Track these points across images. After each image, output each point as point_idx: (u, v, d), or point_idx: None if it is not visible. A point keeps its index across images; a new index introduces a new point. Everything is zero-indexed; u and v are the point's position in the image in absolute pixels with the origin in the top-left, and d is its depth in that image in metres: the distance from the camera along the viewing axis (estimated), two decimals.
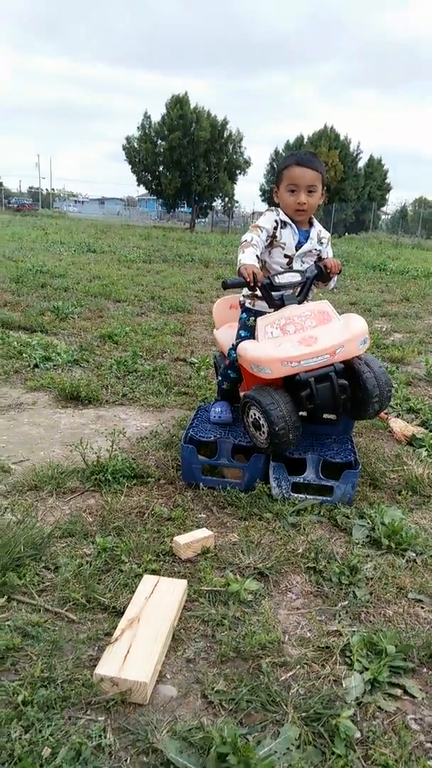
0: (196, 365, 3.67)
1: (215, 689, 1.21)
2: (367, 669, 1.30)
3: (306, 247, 2.23)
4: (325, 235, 2.31)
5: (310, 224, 2.28)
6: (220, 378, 2.61)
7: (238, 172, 33.48)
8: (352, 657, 1.33)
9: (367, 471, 2.28)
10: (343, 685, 1.25)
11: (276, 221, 2.19)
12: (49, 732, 1.06)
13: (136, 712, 1.15)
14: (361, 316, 2.19)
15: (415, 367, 4.11)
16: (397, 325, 5.61)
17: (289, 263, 2.23)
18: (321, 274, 2.22)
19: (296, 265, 2.23)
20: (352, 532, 1.87)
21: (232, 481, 2.11)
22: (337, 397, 1.98)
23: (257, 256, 2.10)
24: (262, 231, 2.16)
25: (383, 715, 1.20)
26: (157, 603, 1.39)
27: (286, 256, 2.22)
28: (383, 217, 42.11)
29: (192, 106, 30.78)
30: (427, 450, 2.58)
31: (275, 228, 2.19)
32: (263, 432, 2.01)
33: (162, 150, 31.24)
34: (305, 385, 1.95)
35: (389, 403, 2.25)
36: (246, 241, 2.14)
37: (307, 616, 1.47)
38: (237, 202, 36.41)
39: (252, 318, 2.29)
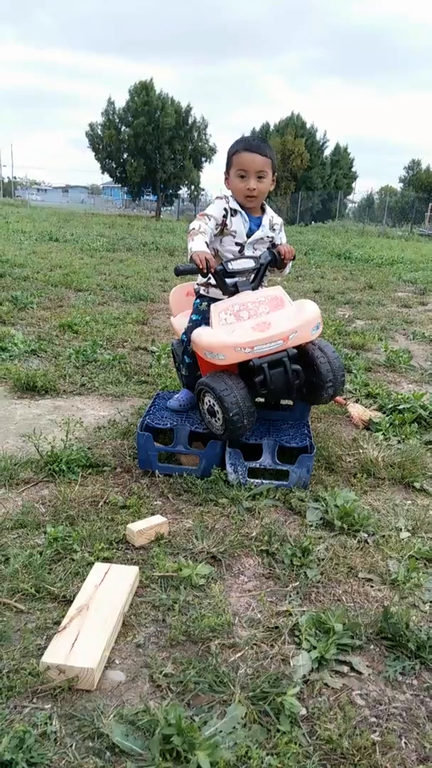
0: (157, 354, 3.65)
1: (163, 673, 1.22)
2: (314, 647, 1.32)
3: (257, 234, 2.22)
4: (278, 221, 2.31)
5: (263, 210, 2.27)
6: (177, 365, 2.60)
7: (203, 159, 33.16)
8: (300, 636, 1.35)
9: (324, 455, 2.31)
10: (291, 664, 1.28)
11: (225, 209, 2.17)
12: None
13: (83, 698, 1.15)
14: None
15: (375, 353, 4.18)
16: (360, 313, 5.67)
17: (241, 251, 2.22)
18: (275, 261, 2.21)
19: (248, 252, 2.22)
20: (306, 515, 1.90)
21: (189, 468, 2.12)
22: (291, 383, 2.00)
23: (206, 243, 2.08)
24: (210, 219, 2.14)
25: (329, 691, 1.23)
26: (107, 590, 1.39)
27: (237, 243, 2.21)
28: (350, 205, 42.47)
29: (157, 92, 30.31)
30: (383, 434, 2.63)
31: (224, 216, 2.17)
32: (218, 418, 2.02)
33: (126, 137, 30.67)
34: (259, 371, 1.96)
35: (343, 388, 2.28)
36: (194, 229, 2.11)
37: (257, 598, 1.49)
38: (203, 189, 36.09)
39: (205, 303, 2.28)
